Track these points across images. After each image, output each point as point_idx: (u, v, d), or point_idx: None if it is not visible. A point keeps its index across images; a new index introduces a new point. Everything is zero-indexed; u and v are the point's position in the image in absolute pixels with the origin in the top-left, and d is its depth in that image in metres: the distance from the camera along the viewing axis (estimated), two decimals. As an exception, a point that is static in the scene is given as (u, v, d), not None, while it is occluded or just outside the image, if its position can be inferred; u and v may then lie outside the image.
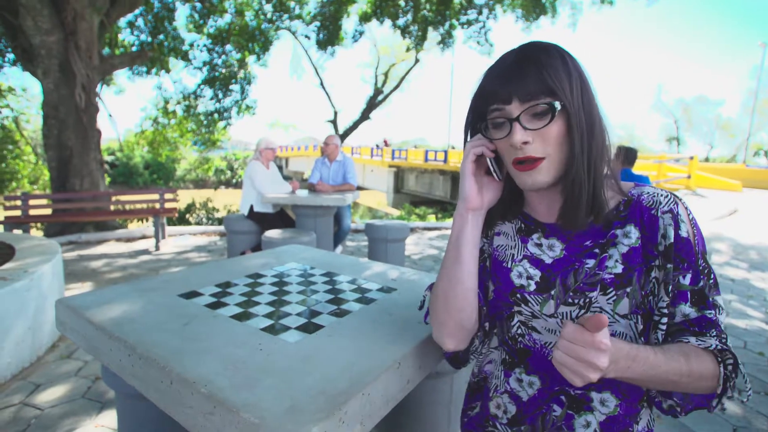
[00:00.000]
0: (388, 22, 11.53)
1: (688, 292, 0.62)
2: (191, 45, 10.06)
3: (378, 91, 18.15)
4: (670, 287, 0.62)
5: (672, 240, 0.62)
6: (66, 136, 6.23)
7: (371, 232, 3.79)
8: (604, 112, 0.65)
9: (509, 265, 0.72)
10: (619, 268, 0.63)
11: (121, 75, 10.72)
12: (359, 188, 5.02)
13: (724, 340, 0.60)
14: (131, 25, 9.05)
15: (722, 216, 8.00)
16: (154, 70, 9.49)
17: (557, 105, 0.60)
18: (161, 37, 9.23)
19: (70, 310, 1.00)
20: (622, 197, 0.68)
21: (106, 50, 8.55)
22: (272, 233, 3.54)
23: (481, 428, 0.78)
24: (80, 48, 6.08)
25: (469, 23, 11.13)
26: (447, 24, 11.07)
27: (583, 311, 0.64)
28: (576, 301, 0.65)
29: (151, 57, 8.76)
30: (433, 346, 0.87)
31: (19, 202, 5.17)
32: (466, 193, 0.70)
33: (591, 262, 0.65)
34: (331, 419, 0.63)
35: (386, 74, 18.55)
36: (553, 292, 0.67)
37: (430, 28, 11.31)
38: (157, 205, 5.80)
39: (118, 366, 0.86)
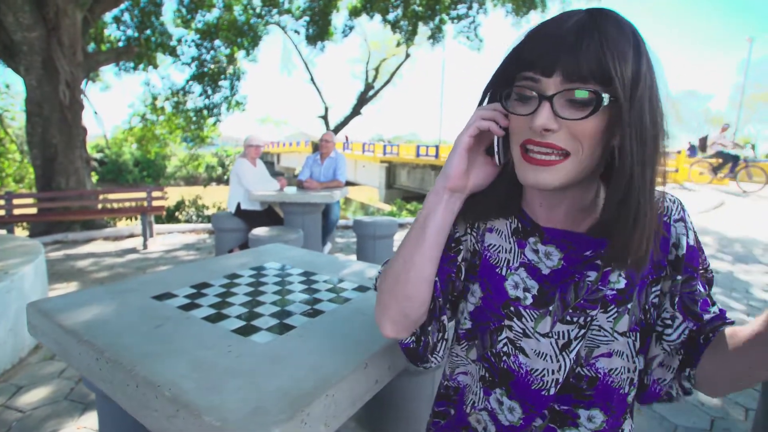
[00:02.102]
0: (378, 17, 11.48)
1: (708, 299, 0.59)
2: (179, 40, 9.94)
3: (369, 87, 18.09)
4: (684, 299, 0.58)
5: (684, 251, 0.58)
6: (50, 134, 6.14)
7: (359, 228, 3.79)
8: (669, 124, 0.53)
9: (504, 273, 0.63)
10: (622, 283, 0.57)
11: (107, 71, 10.62)
12: (351, 184, 5.02)
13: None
14: (117, 20, 8.91)
15: (708, 209, 8.11)
16: (141, 66, 9.38)
17: (605, 98, 0.48)
18: (148, 32, 9.11)
19: (41, 314, 0.99)
20: None
21: (92, 46, 8.43)
22: (259, 231, 3.53)
23: None
24: (63, 44, 5.98)
25: (459, 18, 11.12)
26: (437, 19, 11.05)
27: (583, 331, 0.58)
28: (575, 319, 0.58)
29: (138, 52, 8.65)
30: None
31: (2, 202, 5.10)
32: (451, 169, 0.60)
33: (593, 275, 0.58)
34: (293, 421, 0.63)
35: (377, 69, 18.48)
36: (551, 308, 0.59)
37: (420, 23, 11.28)
38: (145, 203, 5.75)
39: (88, 370, 0.86)
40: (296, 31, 12.54)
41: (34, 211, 5.86)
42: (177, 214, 9.14)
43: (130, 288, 1.15)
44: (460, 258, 0.66)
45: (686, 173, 10.94)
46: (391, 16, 11.33)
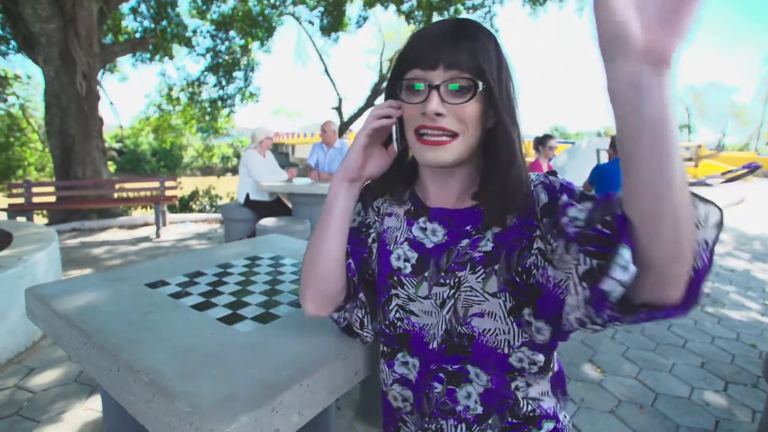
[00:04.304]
0: (392, 7, 11.37)
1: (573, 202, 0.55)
2: (194, 31, 10.01)
3: (383, 78, 17.92)
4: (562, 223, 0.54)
5: (547, 199, 0.60)
6: (68, 124, 6.28)
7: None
8: (518, 106, 0.64)
9: (390, 248, 0.72)
10: (489, 246, 0.64)
11: (124, 62, 10.75)
12: None
13: None
14: (134, 11, 9.01)
15: (728, 205, 7.90)
16: (157, 57, 9.49)
17: (480, 85, 0.59)
18: (164, 23, 9.20)
19: (37, 299, 1.02)
20: None
21: (109, 37, 8.56)
22: (266, 221, 3.56)
23: (394, 425, 0.78)
24: (80, 35, 6.08)
25: (475, 8, 10.92)
26: (452, 9, 10.88)
27: (454, 291, 0.65)
28: (447, 281, 0.66)
29: (154, 44, 8.74)
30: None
31: (22, 190, 5.25)
32: (348, 163, 0.69)
33: (464, 242, 0.66)
34: (263, 408, 0.64)
35: (391, 60, 18.34)
36: (426, 274, 0.68)
37: (435, 13, 11.14)
38: (158, 193, 5.85)
39: (77, 354, 0.88)
40: (310, 22, 12.49)
41: (53, 199, 6.03)
42: (191, 203, 9.29)
43: (125, 275, 1.18)
44: (370, 240, 0.76)
45: (706, 168, 10.65)
46: (405, 7, 11.20)
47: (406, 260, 0.70)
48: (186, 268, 1.24)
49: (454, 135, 0.60)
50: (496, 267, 0.63)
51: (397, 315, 0.71)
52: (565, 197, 0.58)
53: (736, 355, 2.67)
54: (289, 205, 4.22)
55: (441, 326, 0.67)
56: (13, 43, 7.44)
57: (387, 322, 0.73)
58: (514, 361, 0.65)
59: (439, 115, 0.59)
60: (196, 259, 1.34)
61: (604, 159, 4.37)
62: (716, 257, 4.90)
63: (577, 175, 5.85)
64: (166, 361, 0.75)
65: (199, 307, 0.98)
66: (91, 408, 1.93)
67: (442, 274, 0.66)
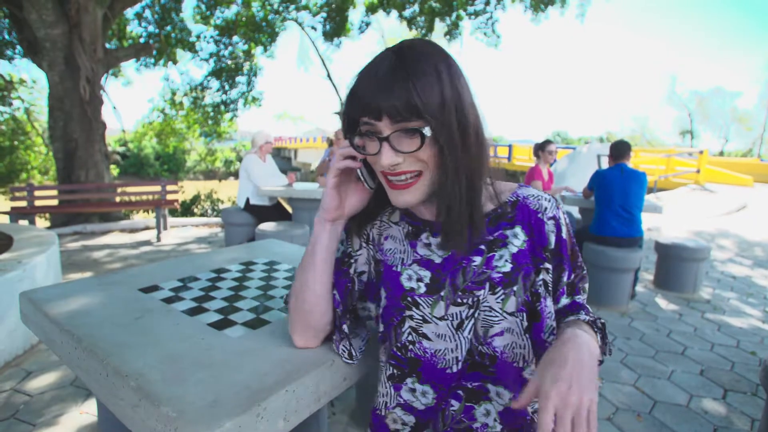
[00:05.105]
0: (394, 13, 11.43)
1: (566, 287, 0.69)
2: (198, 36, 10.09)
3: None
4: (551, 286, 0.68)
5: (553, 245, 0.67)
6: (71, 128, 6.33)
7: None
8: (483, 117, 0.64)
9: (399, 269, 0.71)
10: (508, 267, 0.66)
11: (128, 66, 10.84)
12: None
13: (592, 315, 0.68)
14: (139, 16, 9.10)
15: (730, 212, 7.86)
16: (161, 62, 9.56)
17: (427, 131, 0.58)
18: (168, 28, 9.28)
19: (30, 303, 1.03)
20: (507, 197, 0.70)
21: (114, 42, 8.63)
22: (266, 226, 3.57)
23: None
24: (84, 41, 6.14)
25: (477, 14, 10.97)
26: (454, 15, 10.94)
27: (473, 311, 0.66)
28: (465, 300, 0.66)
29: (158, 48, 8.82)
30: (374, 345, 0.88)
31: (24, 194, 5.28)
32: (325, 204, 0.70)
33: (478, 260, 0.67)
34: (248, 414, 0.64)
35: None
36: (443, 293, 0.67)
37: (437, 19, 11.18)
38: (159, 197, 5.88)
39: (68, 358, 0.89)
40: (313, 28, 12.57)
41: (55, 202, 6.06)
42: (193, 207, 9.32)
43: (119, 280, 1.18)
44: (352, 270, 0.76)
45: (708, 174, 10.61)
46: (407, 12, 11.25)
47: (419, 280, 0.69)
48: (180, 273, 1.25)
49: (418, 174, 0.62)
50: (515, 288, 0.65)
51: (410, 338, 0.70)
52: (566, 267, 0.68)
53: (736, 362, 2.65)
54: (289, 209, 4.24)
55: (462, 348, 0.67)
56: (18, 48, 7.52)
57: (399, 345, 0.71)
58: (528, 375, 0.67)
59: (396, 165, 0.61)
60: (191, 264, 1.34)
61: (605, 164, 4.36)
62: (717, 263, 4.90)
63: (578, 181, 5.85)
64: (154, 365, 0.75)
65: (191, 312, 0.99)
66: (87, 412, 1.93)
67: (459, 293, 0.66)
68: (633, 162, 4.68)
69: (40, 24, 5.81)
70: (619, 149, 3.44)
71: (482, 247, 0.67)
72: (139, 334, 0.88)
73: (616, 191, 3.35)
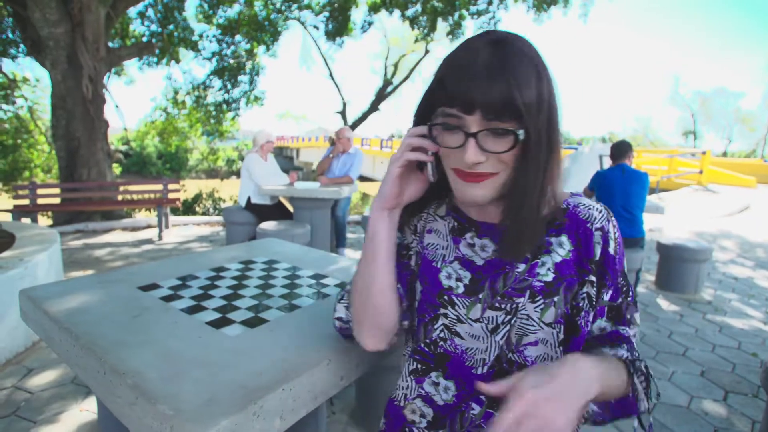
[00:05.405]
0: (397, 13, 11.42)
1: (606, 308, 0.65)
2: (201, 35, 10.10)
3: (387, 83, 18.04)
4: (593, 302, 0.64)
5: (599, 257, 0.64)
6: (74, 126, 6.35)
7: (366, 224, 3.80)
8: (561, 122, 0.60)
9: (439, 266, 0.69)
10: (550, 277, 0.63)
11: (131, 65, 10.85)
12: (369, 180, 4.97)
13: (636, 354, 0.62)
14: (142, 15, 9.12)
15: (732, 213, 7.83)
16: (164, 61, 9.58)
17: (521, 134, 0.55)
18: (171, 27, 9.29)
19: (30, 301, 1.03)
20: (558, 205, 0.66)
21: (117, 41, 8.65)
22: (267, 225, 3.58)
23: None
24: (87, 39, 6.16)
25: (479, 13, 10.94)
26: (456, 14, 10.91)
27: (510, 317, 0.64)
28: (503, 306, 0.64)
29: (161, 47, 8.84)
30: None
31: (27, 192, 5.30)
32: (385, 192, 0.66)
33: (521, 267, 0.64)
34: (244, 413, 0.65)
35: (396, 65, 18.42)
36: (481, 296, 0.65)
37: (439, 19, 11.16)
38: (161, 195, 5.89)
39: (66, 356, 0.89)
40: (315, 27, 12.58)
41: (57, 201, 6.08)
42: (195, 206, 9.34)
43: (119, 278, 1.19)
44: (412, 262, 0.73)
45: (711, 175, 10.57)
46: (410, 12, 11.24)
47: (458, 279, 0.67)
48: (180, 271, 1.25)
49: (493, 173, 0.59)
50: (556, 299, 0.63)
51: (441, 335, 0.68)
52: (609, 285, 0.64)
53: (737, 364, 2.64)
54: (291, 208, 4.24)
55: (492, 352, 0.65)
56: (22, 46, 7.54)
57: (428, 341, 0.69)
58: None
59: (478, 164, 0.57)
60: (191, 263, 1.34)
61: (607, 165, 4.35)
62: (719, 264, 4.88)
63: (580, 181, 5.84)
64: (151, 364, 0.76)
65: (189, 310, 0.99)
66: (87, 409, 1.94)
67: (498, 298, 0.64)
68: (635, 162, 4.67)
69: (43, 23, 5.83)
70: (620, 149, 3.43)
71: (527, 255, 0.64)
72: (137, 332, 0.88)
73: (617, 191, 3.34)
